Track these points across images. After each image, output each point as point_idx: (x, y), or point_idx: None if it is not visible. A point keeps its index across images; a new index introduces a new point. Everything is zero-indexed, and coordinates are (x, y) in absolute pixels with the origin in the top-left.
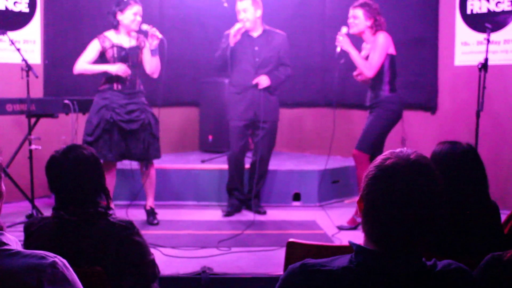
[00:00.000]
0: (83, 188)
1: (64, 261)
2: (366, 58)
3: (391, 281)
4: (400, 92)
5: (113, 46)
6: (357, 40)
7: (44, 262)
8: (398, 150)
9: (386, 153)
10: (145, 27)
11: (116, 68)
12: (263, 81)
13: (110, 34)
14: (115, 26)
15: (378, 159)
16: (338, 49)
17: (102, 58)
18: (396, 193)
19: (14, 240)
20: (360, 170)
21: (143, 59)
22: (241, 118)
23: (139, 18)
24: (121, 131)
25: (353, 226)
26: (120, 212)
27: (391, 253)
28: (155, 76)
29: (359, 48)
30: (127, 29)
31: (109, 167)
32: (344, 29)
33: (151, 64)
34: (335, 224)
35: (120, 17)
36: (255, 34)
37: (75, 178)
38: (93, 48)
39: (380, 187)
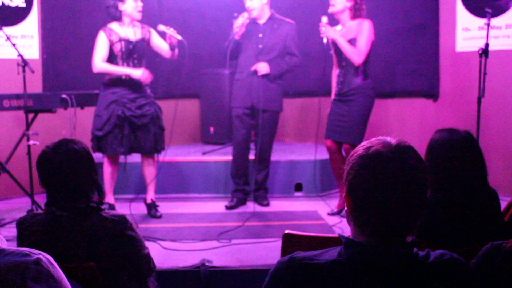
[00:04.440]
0: (74, 183)
1: (49, 257)
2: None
3: (382, 274)
4: (373, 79)
5: (120, 40)
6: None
7: (28, 259)
8: (375, 138)
9: (364, 143)
10: (162, 28)
11: (140, 74)
12: (262, 67)
13: (115, 27)
14: (118, 17)
15: (359, 150)
16: (325, 40)
17: (109, 51)
18: (386, 177)
19: None
20: None
21: (156, 47)
22: (240, 105)
23: (140, 4)
24: (132, 125)
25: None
26: (124, 206)
27: (382, 244)
28: (175, 58)
29: None
30: (131, 18)
31: (114, 160)
32: (324, 19)
33: (168, 55)
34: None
35: (122, 7)
36: (261, 21)
37: (65, 173)
38: (102, 43)
39: (369, 175)
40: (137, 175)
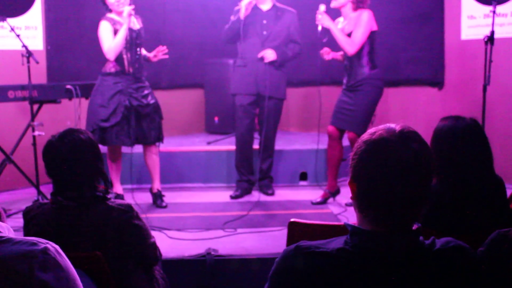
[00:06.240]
0: (80, 172)
1: (56, 246)
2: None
3: (388, 262)
4: (381, 69)
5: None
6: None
7: (35, 249)
8: (381, 126)
9: (370, 130)
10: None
11: (126, 21)
12: (269, 54)
13: (115, 17)
14: (109, 10)
15: (364, 136)
16: (320, 28)
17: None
18: (389, 162)
19: (6, 226)
20: None
21: None
22: (245, 92)
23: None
24: (137, 115)
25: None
26: (126, 196)
27: (388, 232)
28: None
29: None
30: (116, 11)
31: (118, 151)
32: (322, 7)
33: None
34: (343, 202)
35: (108, 2)
36: (264, 7)
37: (71, 163)
38: (109, 32)
39: (374, 159)
40: (139, 165)
